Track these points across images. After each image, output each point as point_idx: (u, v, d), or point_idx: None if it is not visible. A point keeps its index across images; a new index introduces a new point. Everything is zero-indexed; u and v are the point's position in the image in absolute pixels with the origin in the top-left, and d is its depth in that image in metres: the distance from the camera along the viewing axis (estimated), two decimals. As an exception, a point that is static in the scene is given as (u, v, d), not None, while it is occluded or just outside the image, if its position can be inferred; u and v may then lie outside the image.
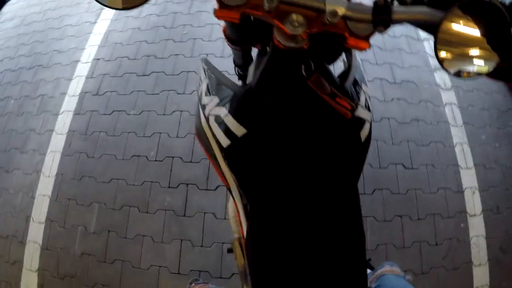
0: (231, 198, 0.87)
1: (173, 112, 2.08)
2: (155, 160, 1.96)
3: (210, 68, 0.85)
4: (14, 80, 2.70)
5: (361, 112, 0.73)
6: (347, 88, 0.75)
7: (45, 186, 2.12)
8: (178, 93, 2.15)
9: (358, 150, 0.72)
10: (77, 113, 2.28)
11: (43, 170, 2.18)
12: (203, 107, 0.80)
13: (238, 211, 0.83)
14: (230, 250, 1.15)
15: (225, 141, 0.72)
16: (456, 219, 1.78)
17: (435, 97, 2.17)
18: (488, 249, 1.76)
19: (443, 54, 0.55)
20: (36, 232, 2.03)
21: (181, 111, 2.07)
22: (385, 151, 1.85)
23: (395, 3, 0.61)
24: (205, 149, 0.82)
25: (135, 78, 2.33)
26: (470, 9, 0.51)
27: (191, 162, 1.92)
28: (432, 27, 0.55)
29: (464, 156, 1.96)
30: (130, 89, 2.27)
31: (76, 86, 2.42)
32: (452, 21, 0.52)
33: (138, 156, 2.00)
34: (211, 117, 0.76)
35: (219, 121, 0.73)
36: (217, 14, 0.57)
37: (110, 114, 2.19)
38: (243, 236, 0.85)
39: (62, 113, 2.34)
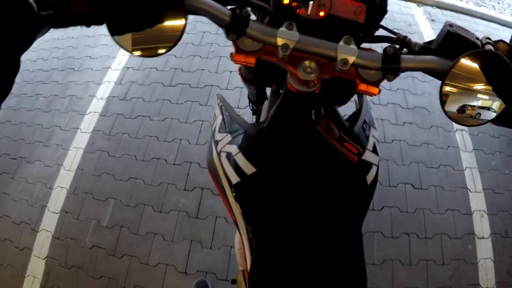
0: (238, 232, 0.91)
1: (195, 121, 2.24)
2: (174, 164, 2.10)
3: (224, 105, 0.89)
4: (45, 79, 2.89)
5: (368, 156, 0.76)
6: (356, 131, 0.78)
7: (64, 179, 2.25)
8: (200, 104, 2.32)
9: (363, 193, 0.75)
10: (103, 114, 2.45)
11: (64, 164, 2.32)
12: (216, 142, 0.84)
13: (243, 245, 0.87)
14: (234, 281, 1.22)
15: (234, 178, 0.75)
16: (463, 241, 1.86)
17: (446, 123, 2.31)
18: (496, 272, 1.82)
19: (448, 100, 0.57)
20: (49, 222, 2.14)
21: (202, 121, 2.22)
22: (395, 171, 1.96)
23: (404, 51, 0.64)
24: (215, 182, 0.86)
25: (161, 88, 2.51)
26: (476, 58, 0.55)
27: (205, 167, 2.04)
28: (439, 74, 0.59)
29: (473, 180, 2.06)
30: (156, 97, 2.45)
31: (104, 90, 2.60)
32: (459, 69, 0.55)
33: (158, 159, 2.14)
34: (222, 153, 0.80)
35: (230, 158, 0.77)
36: (234, 58, 0.61)
37: (134, 118, 2.35)
38: (247, 270, 0.89)
39: (88, 113, 2.51)
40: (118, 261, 1.91)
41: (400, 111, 2.31)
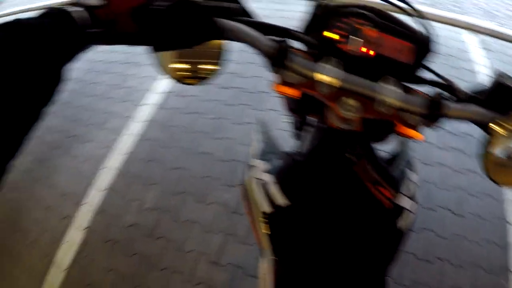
0: (262, 258, 0.95)
1: (245, 123, 2.47)
2: (221, 160, 2.31)
3: (265, 132, 0.96)
4: (106, 70, 3.26)
5: (402, 201, 0.77)
6: (393, 174, 0.79)
7: (114, 161, 2.53)
8: (253, 109, 2.55)
9: (392, 239, 0.77)
10: (159, 107, 2.74)
11: (116, 147, 2.60)
12: (252, 168, 0.88)
13: (266, 273, 0.90)
14: None
15: (266, 207, 0.78)
16: (497, 275, 1.87)
17: (491, 153, 2.36)
18: (533, 314, 1.81)
19: (492, 158, 0.57)
20: (94, 197, 2.39)
21: (253, 124, 2.44)
22: (435, 194, 2.05)
23: (450, 98, 0.64)
24: (246, 205, 0.90)
25: (217, 89, 2.77)
26: None
27: (252, 168, 2.24)
28: (484, 126, 0.60)
29: (514, 213, 2.10)
30: (211, 97, 2.71)
31: (162, 85, 2.90)
32: (508, 125, 0.55)
33: (206, 153, 2.37)
34: (257, 180, 0.83)
35: (264, 187, 0.80)
36: (277, 89, 0.63)
37: (189, 114, 2.61)
38: None
39: (145, 105, 2.81)
40: (154, 242, 2.10)
41: (446, 136, 2.40)
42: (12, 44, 0.43)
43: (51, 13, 0.51)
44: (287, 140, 1.25)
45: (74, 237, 2.27)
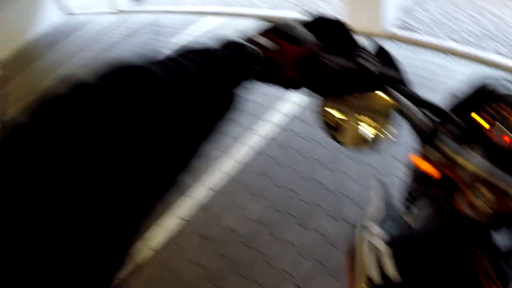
0: None
1: (361, 161, 2.57)
2: (329, 191, 2.45)
3: (383, 194, 0.98)
4: (239, 83, 3.63)
5: None
6: (506, 271, 0.78)
7: (228, 166, 2.83)
8: (372, 152, 2.67)
9: None
10: (282, 128, 3.01)
11: (234, 154, 2.90)
12: (365, 229, 0.90)
13: None
14: None
15: (375, 276, 0.79)
16: None
17: None
18: None
19: None
20: (200, 193, 2.68)
21: (369, 165, 2.54)
22: None
23: None
24: (348, 263, 0.92)
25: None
26: None
27: (357, 205, 2.33)
28: None
29: None
30: (333, 130, 2.90)
31: (288, 108, 3.16)
32: None
33: (318, 181, 2.53)
34: (369, 244, 0.84)
35: (376, 255, 0.81)
36: (415, 161, 0.68)
37: (308, 140, 2.82)
38: None
39: (268, 122, 3.09)
40: (246, 250, 2.29)
41: None
42: (203, 68, 0.51)
43: (232, 45, 0.61)
44: (400, 189, 1.35)
45: (170, 224, 2.57)
